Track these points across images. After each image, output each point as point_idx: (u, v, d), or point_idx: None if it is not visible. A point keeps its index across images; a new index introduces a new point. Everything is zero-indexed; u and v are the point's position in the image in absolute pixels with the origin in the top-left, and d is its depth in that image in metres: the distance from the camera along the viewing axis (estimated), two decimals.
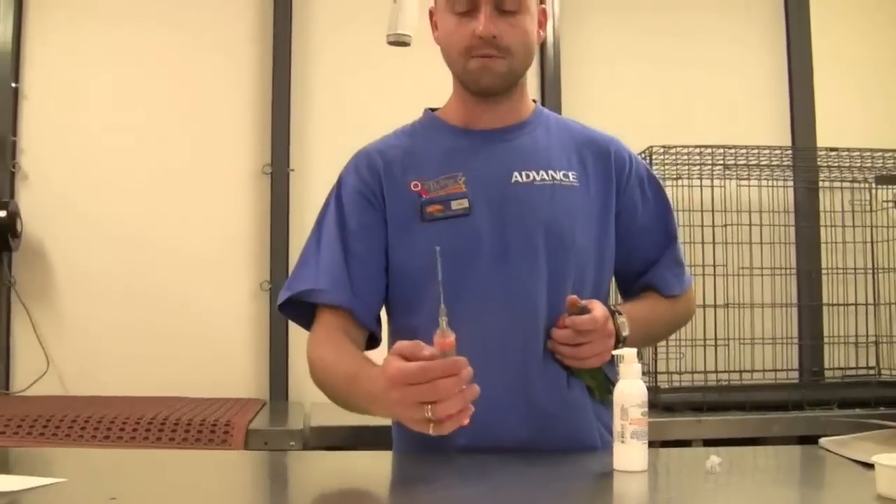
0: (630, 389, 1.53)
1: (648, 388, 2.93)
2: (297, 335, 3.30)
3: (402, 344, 1.47)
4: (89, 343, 3.31)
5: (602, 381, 1.81)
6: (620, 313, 1.78)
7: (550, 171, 1.82)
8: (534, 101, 1.94)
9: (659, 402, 2.92)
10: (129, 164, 3.38)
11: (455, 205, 1.78)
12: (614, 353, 1.61)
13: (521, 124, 1.88)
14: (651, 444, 1.55)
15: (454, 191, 1.79)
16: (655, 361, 3.10)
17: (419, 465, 1.60)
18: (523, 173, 1.81)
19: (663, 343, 3.10)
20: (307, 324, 1.85)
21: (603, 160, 1.88)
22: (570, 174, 1.83)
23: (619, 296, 2.02)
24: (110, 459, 1.85)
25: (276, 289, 3.31)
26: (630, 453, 1.51)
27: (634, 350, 1.56)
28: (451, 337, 1.44)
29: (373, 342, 1.85)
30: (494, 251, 1.76)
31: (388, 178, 1.82)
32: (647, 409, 1.53)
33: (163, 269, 3.35)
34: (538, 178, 1.81)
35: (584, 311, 1.70)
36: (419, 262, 1.78)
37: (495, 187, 1.79)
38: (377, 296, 1.83)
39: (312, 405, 3.01)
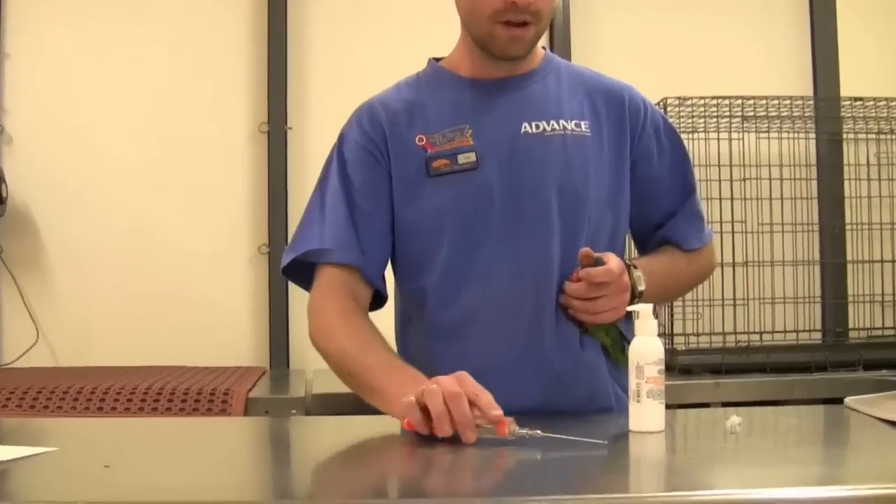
0: (646, 347, 1.52)
1: (665, 350, 2.99)
2: (298, 300, 3.31)
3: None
4: (80, 313, 3.32)
5: (617, 339, 1.81)
6: (636, 267, 1.77)
7: (562, 121, 1.81)
8: (543, 48, 1.93)
9: (675, 365, 2.93)
10: (119, 127, 3.37)
11: (462, 159, 1.78)
12: (630, 308, 1.60)
13: (530, 73, 1.87)
14: (668, 407, 1.55)
15: (460, 144, 1.78)
16: (671, 322, 3.11)
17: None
18: (533, 124, 1.80)
19: (679, 302, 3.10)
20: (308, 282, 1.85)
21: (616, 108, 1.87)
22: (581, 123, 1.83)
23: (634, 251, 2.02)
24: (104, 429, 1.86)
25: (274, 252, 3.31)
26: (646, 413, 1.50)
27: (650, 305, 1.54)
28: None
29: (377, 300, 1.86)
30: (504, 207, 1.76)
31: (392, 132, 1.82)
32: (664, 368, 1.52)
33: (156, 234, 3.35)
34: (549, 129, 1.80)
35: (599, 263, 1.69)
36: (427, 219, 1.78)
37: (504, 139, 1.79)
38: (384, 253, 1.83)
39: (315, 372, 3.01)
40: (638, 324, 1.54)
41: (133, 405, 2.55)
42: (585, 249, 1.70)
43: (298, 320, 3.31)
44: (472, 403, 1.43)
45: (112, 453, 1.51)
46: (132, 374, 2.92)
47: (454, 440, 1.44)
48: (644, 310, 1.54)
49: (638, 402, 1.50)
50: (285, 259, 1.84)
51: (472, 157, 1.77)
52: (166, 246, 3.35)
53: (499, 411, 1.44)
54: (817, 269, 3.38)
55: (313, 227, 1.82)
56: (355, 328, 1.75)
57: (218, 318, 3.35)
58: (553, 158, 1.78)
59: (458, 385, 1.45)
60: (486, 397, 1.45)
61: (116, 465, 1.37)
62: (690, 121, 3.18)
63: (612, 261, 1.70)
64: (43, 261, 3.33)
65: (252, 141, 3.41)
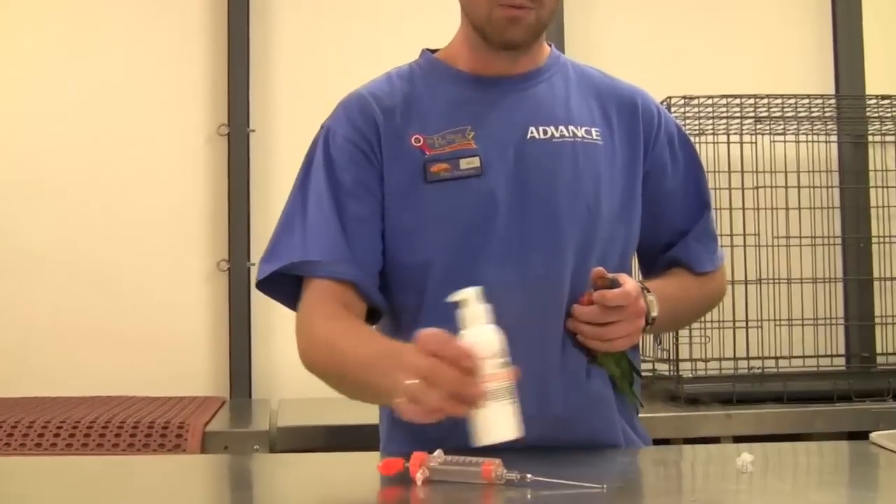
0: (479, 338, 1.44)
1: (669, 378, 3.02)
2: (262, 322, 3.33)
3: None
4: (13, 335, 3.30)
5: (627, 370, 1.82)
6: (649, 290, 1.78)
7: (571, 127, 1.82)
8: (549, 44, 1.93)
9: (682, 394, 2.92)
10: (59, 129, 3.36)
11: (464, 164, 1.77)
12: (453, 297, 1.51)
13: (535, 71, 1.87)
14: (672, 442, 1.55)
15: (462, 147, 1.78)
16: (677, 347, 3.10)
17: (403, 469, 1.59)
18: (540, 128, 1.81)
19: (686, 328, 3.10)
20: (291, 301, 1.84)
21: (629, 114, 1.88)
22: (592, 130, 1.84)
23: (639, 273, 2.03)
24: (42, 469, 1.84)
25: (235, 269, 3.31)
26: (492, 419, 1.43)
27: (475, 289, 1.48)
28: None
29: (372, 316, 1.84)
30: (510, 219, 1.76)
31: (387, 130, 1.81)
32: (508, 360, 1.46)
33: (103, 247, 3.34)
34: (557, 135, 1.81)
35: (614, 284, 1.70)
36: (421, 230, 1.78)
37: (509, 144, 1.79)
38: (378, 264, 1.81)
39: (280, 402, 3.00)
40: (464, 312, 1.46)
41: (75, 441, 2.54)
42: (599, 269, 1.71)
43: (261, 344, 3.31)
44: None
45: (52, 498, 1.50)
46: (74, 405, 2.91)
47: (434, 486, 1.44)
48: (467, 295, 1.47)
49: (479, 406, 1.43)
50: (263, 271, 1.82)
51: (475, 162, 1.77)
52: (113, 261, 3.34)
53: (471, 361, 1.44)
54: (840, 287, 3.40)
55: (294, 235, 1.80)
56: (353, 329, 1.73)
57: (172, 342, 3.33)
58: (563, 168, 1.79)
59: (427, 355, 1.46)
60: (455, 350, 1.44)
61: None
62: (697, 122, 3.19)
63: (629, 282, 1.71)
64: None
65: (210, 144, 3.40)
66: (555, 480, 1.42)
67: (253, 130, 3.38)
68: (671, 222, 1.93)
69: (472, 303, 1.45)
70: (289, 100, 3.42)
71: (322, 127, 1.87)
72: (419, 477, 1.46)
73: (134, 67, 3.40)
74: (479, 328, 1.44)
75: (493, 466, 1.44)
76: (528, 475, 1.43)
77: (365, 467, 1.54)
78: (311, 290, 1.80)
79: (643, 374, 1.99)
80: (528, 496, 1.40)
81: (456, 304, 1.48)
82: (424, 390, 1.43)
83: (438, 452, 1.48)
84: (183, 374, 3.32)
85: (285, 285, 1.83)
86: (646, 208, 1.88)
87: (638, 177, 1.86)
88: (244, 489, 1.67)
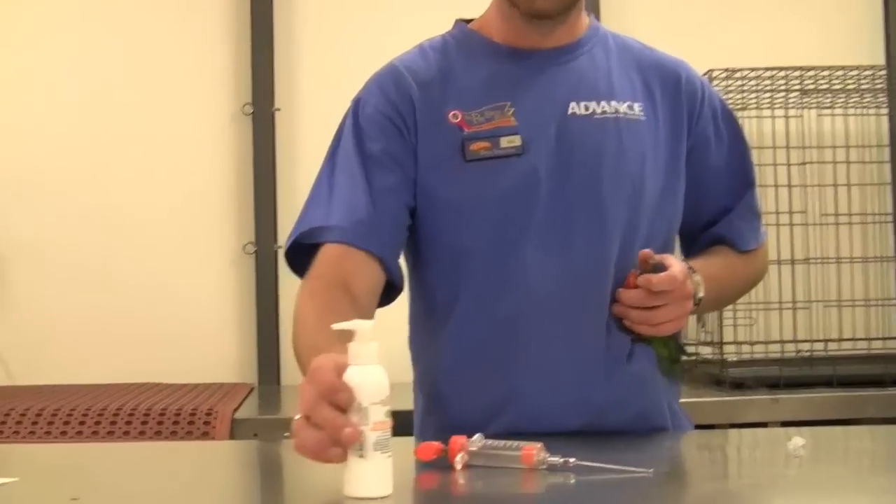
0: (366, 379, 1.29)
1: (714, 362, 3.01)
2: (290, 306, 3.29)
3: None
4: (39, 323, 3.33)
5: (674, 351, 1.81)
6: (695, 271, 1.77)
7: (613, 102, 1.80)
8: (588, 14, 1.91)
9: (726, 379, 2.92)
10: (80, 110, 3.38)
11: (505, 142, 1.76)
12: (339, 326, 1.35)
13: (575, 43, 1.85)
14: (716, 428, 1.54)
15: (502, 124, 1.77)
16: (721, 329, 3.10)
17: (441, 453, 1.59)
18: (581, 104, 1.79)
19: (730, 307, 3.08)
20: None
21: (672, 88, 1.86)
22: (635, 105, 1.82)
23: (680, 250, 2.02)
24: (69, 456, 1.86)
25: (262, 251, 3.32)
26: (371, 472, 1.29)
27: (369, 322, 1.33)
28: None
29: (389, 293, 1.81)
30: (553, 200, 1.75)
31: (423, 105, 1.79)
32: (389, 409, 1.30)
33: (126, 232, 3.36)
34: (598, 111, 1.80)
35: (659, 267, 1.69)
36: (459, 211, 1.77)
37: (550, 121, 1.78)
38: (401, 239, 1.80)
39: None
40: (354, 348, 1.31)
41: (101, 428, 2.56)
42: (646, 252, 1.69)
43: (290, 329, 3.30)
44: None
45: (79, 484, 1.50)
46: (99, 392, 2.93)
47: (473, 471, 1.44)
48: (355, 327, 1.31)
49: (361, 456, 1.28)
50: (288, 242, 1.79)
51: (517, 140, 1.76)
52: (137, 246, 3.36)
53: (349, 428, 1.28)
54: (891, 266, 3.37)
55: (319, 204, 1.78)
56: (318, 313, 1.63)
57: (198, 328, 3.35)
58: (606, 146, 1.77)
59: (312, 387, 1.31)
60: (342, 395, 1.29)
61: (85, 497, 1.36)
62: (741, 96, 3.17)
63: (675, 265, 1.69)
64: None
65: (234, 124, 3.42)
66: (599, 465, 1.41)
67: (278, 109, 3.38)
68: (714, 199, 1.92)
69: (360, 338, 1.31)
70: (315, 77, 3.42)
71: (353, 100, 1.86)
72: (458, 461, 1.45)
73: (156, 46, 3.42)
74: (368, 368, 1.29)
75: (535, 451, 1.43)
76: (571, 459, 1.42)
77: (401, 452, 1.54)
78: (320, 256, 1.74)
79: (687, 357, 1.98)
80: (572, 481, 1.40)
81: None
82: (303, 428, 1.31)
83: (478, 436, 1.48)
84: (209, 360, 3.34)
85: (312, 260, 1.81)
86: (688, 185, 1.87)
87: (681, 153, 1.85)
88: (274, 476, 1.67)
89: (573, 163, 1.76)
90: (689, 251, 1.97)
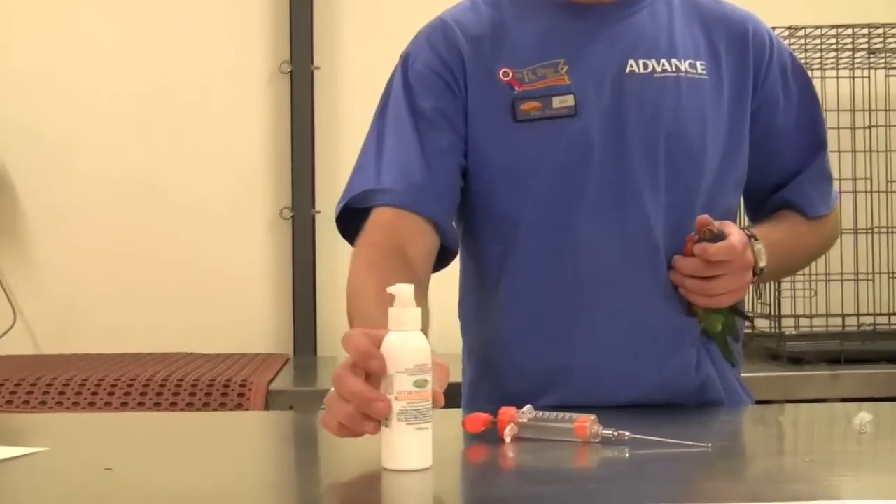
0: (399, 347, 1.30)
1: (770, 335, 2.99)
2: (328, 273, 3.33)
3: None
4: (66, 290, 3.34)
5: (732, 325, 1.80)
6: (756, 238, 1.76)
7: (674, 60, 1.79)
8: None
9: (784, 353, 2.91)
10: (110, 68, 3.37)
11: (557, 102, 1.75)
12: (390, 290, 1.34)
13: None
14: (773, 402, 1.53)
15: (555, 83, 1.76)
16: (779, 301, 3.08)
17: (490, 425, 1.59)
18: (640, 62, 1.78)
19: (789, 279, 3.06)
20: None
21: (738, 43, 1.84)
22: (697, 63, 1.81)
23: (745, 216, 2.01)
24: (100, 425, 1.88)
25: (299, 216, 3.31)
26: (399, 444, 1.29)
27: (409, 287, 1.33)
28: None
29: (443, 257, 1.81)
30: (606, 163, 1.75)
31: (473, 61, 1.79)
32: (427, 378, 1.29)
33: (156, 197, 3.36)
34: (659, 69, 1.78)
35: (719, 235, 1.68)
36: (509, 173, 1.77)
37: (606, 79, 1.77)
38: (456, 201, 1.80)
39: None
40: (393, 313, 1.31)
41: (131, 399, 2.57)
42: (704, 217, 1.68)
43: (327, 298, 3.32)
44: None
45: (112, 454, 1.52)
46: (129, 362, 2.95)
47: (524, 444, 1.43)
48: (396, 291, 1.32)
49: (387, 426, 1.29)
50: (337, 207, 1.79)
51: (569, 100, 1.75)
52: (169, 211, 3.36)
53: (380, 402, 1.28)
54: None
55: (369, 166, 1.78)
56: (375, 282, 1.59)
57: (231, 297, 3.36)
58: (665, 105, 1.76)
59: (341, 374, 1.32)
60: (374, 363, 1.29)
61: (119, 467, 1.37)
62: (803, 56, 3.13)
63: (735, 233, 1.68)
64: (21, 228, 3.36)
65: (272, 83, 3.41)
66: (655, 439, 1.41)
67: (317, 68, 3.37)
68: (782, 162, 1.90)
69: (399, 301, 1.32)
70: (356, 34, 3.40)
71: (402, 55, 1.85)
72: (508, 434, 1.45)
73: (188, 4, 3.40)
74: (406, 334, 1.30)
75: (588, 423, 1.43)
76: (626, 433, 1.42)
77: (447, 424, 1.54)
78: (373, 220, 1.74)
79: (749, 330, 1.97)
80: (627, 455, 1.40)
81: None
82: (333, 401, 1.33)
83: (528, 408, 1.48)
84: (243, 330, 3.34)
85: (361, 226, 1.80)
86: (755, 147, 1.85)
87: (746, 114, 1.84)
88: (310, 447, 1.69)
89: (629, 124, 1.75)
90: (755, 216, 1.96)
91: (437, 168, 1.76)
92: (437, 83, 1.79)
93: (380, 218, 1.74)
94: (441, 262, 1.80)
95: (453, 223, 1.81)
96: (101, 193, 3.35)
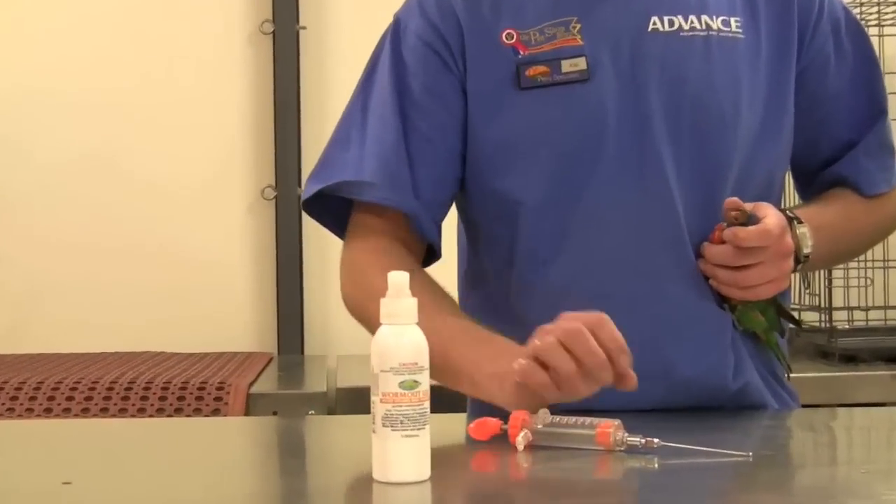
0: (391, 340, 1.31)
1: (820, 330, 2.99)
2: (316, 262, 3.34)
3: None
4: (20, 284, 3.35)
5: (774, 320, 1.80)
6: (800, 221, 1.75)
7: (704, 17, 1.79)
8: None
9: (835, 350, 2.91)
10: (71, 27, 3.37)
11: (567, 66, 1.75)
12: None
13: None
14: (823, 406, 1.54)
15: (565, 44, 1.76)
16: (830, 291, 3.08)
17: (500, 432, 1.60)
18: (665, 19, 1.78)
19: (841, 266, 3.06)
20: (339, 226, 1.87)
21: None
22: (731, 20, 1.80)
23: (795, 194, 2.00)
24: (58, 434, 1.88)
25: (283, 197, 3.31)
26: (385, 452, 1.29)
27: (405, 275, 1.33)
28: None
29: (428, 257, 1.86)
30: (624, 135, 1.75)
31: (470, 25, 1.79)
32: (419, 379, 1.30)
33: (119, 178, 3.35)
34: (686, 27, 1.78)
35: (752, 219, 1.67)
36: (514, 148, 1.77)
37: (624, 39, 1.76)
38: (444, 195, 1.83)
39: (339, 359, 3.02)
40: (386, 304, 1.32)
41: (93, 405, 2.57)
42: (732, 200, 1.68)
43: (315, 289, 3.32)
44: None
45: (71, 466, 1.51)
46: (90, 363, 2.95)
47: (539, 453, 1.44)
48: (395, 280, 1.33)
49: (374, 432, 1.30)
50: (310, 189, 1.83)
51: (581, 63, 1.75)
52: (134, 193, 3.36)
53: (626, 356, 1.51)
54: None
55: (350, 149, 1.81)
56: (414, 289, 1.72)
57: (207, 289, 3.36)
58: (691, 68, 1.76)
59: (571, 321, 1.50)
60: (608, 331, 1.51)
61: (79, 481, 1.37)
62: (859, 10, 3.13)
63: (770, 216, 1.67)
64: None
65: (252, 45, 3.41)
66: (688, 447, 1.41)
67: (303, 28, 3.37)
68: (835, 132, 1.90)
69: (392, 290, 1.32)
70: None
71: (394, 17, 1.86)
72: (520, 441, 1.45)
73: None
74: (395, 329, 1.31)
75: (612, 429, 1.43)
76: (656, 440, 1.42)
77: (451, 431, 1.55)
78: (360, 220, 1.83)
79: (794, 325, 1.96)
80: (656, 466, 1.40)
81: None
82: (554, 350, 1.47)
83: (543, 412, 1.47)
84: (220, 325, 3.34)
85: (337, 208, 1.85)
86: (802, 115, 1.85)
87: (789, 78, 1.83)
88: (295, 456, 1.69)
89: (650, 90, 1.75)
90: (806, 194, 1.97)
91: (422, 162, 1.79)
92: (428, 57, 1.80)
93: (373, 214, 1.81)
94: (427, 261, 1.86)
95: (437, 221, 1.83)
96: (57, 175, 3.34)
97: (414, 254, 1.82)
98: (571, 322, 1.50)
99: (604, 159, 1.74)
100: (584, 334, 1.48)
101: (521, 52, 1.76)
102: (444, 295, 1.77)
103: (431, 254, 1.86)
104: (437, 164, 1.80)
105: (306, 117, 3.34)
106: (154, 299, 3.33)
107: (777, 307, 1.79)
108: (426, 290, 1.73)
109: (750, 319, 1.78)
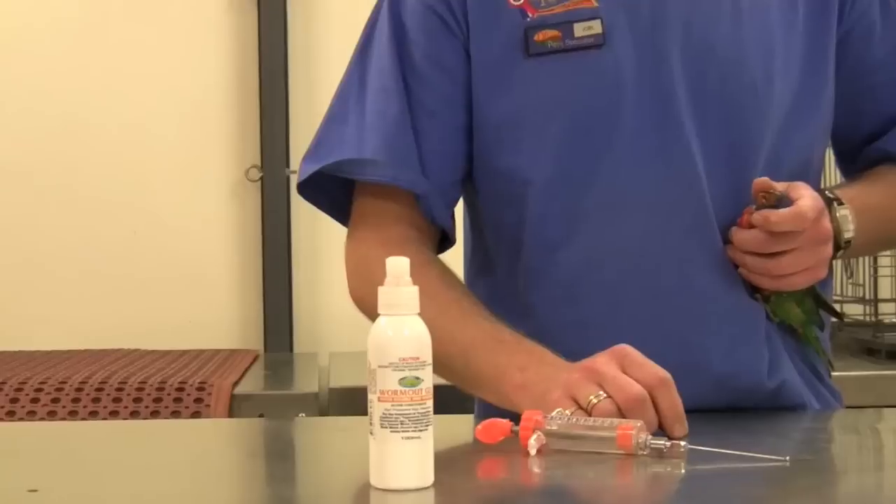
0: (390, 332, 1.31)
1: (865, 324, 2.99)
2: (307, 250, 3.34)
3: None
4: None
5: (811, 311, 1.80)
6: (841, 202, 1.75)
7: None
8: None
9: (882, 346, 2.92)
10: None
11: (581, 29, 1.75)
12: None
13: None
14: (868, 407, 1.54)
15: (578, 5, 1.75)
16: (875, 281, 3.08)
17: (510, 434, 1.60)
18: None
19: (888, 253, 3.06)
20: (342, 213, 1.86)
21: None
22: None
23: (837, 172, 2.00)
24: (23, 438, 1.87)
25: (269, 178, 3.32)
26: (384, 456, 1.29)
27: (405, 261, 1.33)
28: None
29: (439, 243, 1.86)
30: (644, 107, 1.74)
31: None
32: (421, 375, 1.29)
33: (87, 156, 3.36)
34: None
35: (783, 200, 1.66)
36: (521, 121, 1.77)
37: (644, 0, 1.76)
38: (454, 175, 1.83)
39: (332, 357, 3.02)
40: (384, 293, 1.32)
41: (60, 407, 2.58)
42: (762, 180, 1.67)
43: (306, 280, 3.33)
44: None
45: (37, 473, 1.51)
46: (58, 361, 2.96)
47: (553, 457, 1.44)
48: (395, 266, 1.32)
49: (371, 434, 1.30)
50: (305, 170, 1.82)
51: (595, 26, 1.74)
52: (103, 173, 3.37)
53: (681, 427, 1.51)
54: None
55: (349, 124, 1.81)
56: (433, 286, 1.71)
57: (186, 280, 3.37)
58: (719, 30, 1.76)
59: (633, 383, 1.50)
60: (669, 397, 1.51)
61: (46, 488, 1.37)
62: None
63: (805, 197, 1.66)
64: None
65: (232, 7, 3.42)
66: (719, 450, 1.41)
67: None
68: (880, 103, 1.89)
69: (391, 278, 1.32)
70: None
71: None
72: (533, 445, 1.44)
73: None
74: (394, 320, 1.30)
75: (634, 431, 1.42)
76: (683, 443, 1.42)
77: (456, 433, 1.54)
78: (364, 203, 1.83)
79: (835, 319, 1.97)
80: (682, 471, 1.40)
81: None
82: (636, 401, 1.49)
83: (558, 412, 1.47)
84: (201, 320, 3.36)
85: (335, 191, 1.85)
86: (843, 85, 1.85)
87: (829, 44, 1.83)
88: (283, 461, 1.68)
89: (672, 57, 1.74)
90: (849, 172, 1.96)
91: (429, 137, 1.79)
92: (430, 21, 1.79)
93: (379, 197, 1.81)
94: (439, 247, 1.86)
95: (449, 202, 1.83)
96: (15, 153, 3.35)
97: (428, 241, 1.82)
98: (632, 387, 1.49)
99: (621, 134, 1.74)
100: (647, 405, 1.48)
101: (530, 15, 1.76)
102: (464, 290, 1.77)
103: (443, 240, 1.86)
104: (444, 140, 1.80)
105: (295, 88, 3.34)
106: (127, 292, 3.34)
107: (815, 298, 1.79)
108: (445, 285, 1.75)
109: (785, 311, 1.78)
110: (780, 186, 1.67)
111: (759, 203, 1.67)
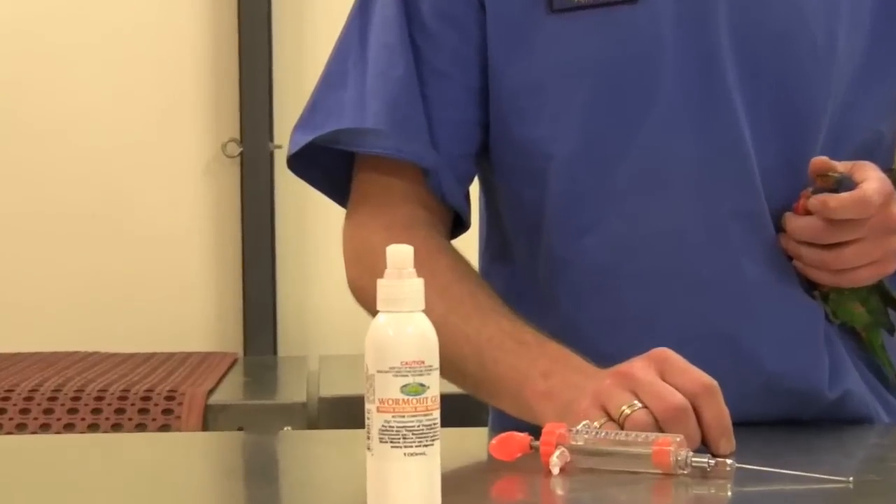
0: (391, 332, 1.30)
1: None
2: (293, 237, 3.35)
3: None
4: None
5: (878, 311, 1.79)
6: None
7: None
8: None
9: None
10: None
11: None
12: None
13: None
14: None
15: None
16: None
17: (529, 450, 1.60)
18: None
19: None
20: (340, 192, 1.87)
21: None
22: None
23: None
24: None
25: (250, 153, 3.33)
26: (383, 474, 1.29)
27: (409, 249, 1.35)
28: None
29: (455, 227, 1.86)
30: (684, 72, 1.74)
31: None
32: (426, 382, 1.28)
33: (45, 131, 3.38)
34: None
35: (845, 183, 1.66)
36: (544, 86, 1.77)
37: None
38: (468, 146, 1.83)
39: (322, 360, 3.03)
40: (384, 287, 1.30)
41: (6, 419, 2.60)
42: (821, 160, 1.67)
43: (291, 273, 3.34)
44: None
45: None
46: (6, 366, 2.97)
47: (579, 478, 1.44)
48: (397, 255, 1.31)
49: (369, 450, 1.29)
50: (297, 141, 1.82)
51: None
52: (64, 151, 3.38)
53: (728, 442, 1.50)
54: None
55: (348, 88, 1.81)
56: (442, 277, 1.73)
57: (154, 270, 3.39)
58: None
59: (673, 391, 1.49)
60: (715, 407, 1.50)
61: None
62: None
63: (871, 179, 1.66)
64: None
65: None
66: (771, 469, 1.40)
67: None
68: None
69: (392, 270, 1.30)
70: None
71: None
72: (555, 462, 1.44)
73: None
74: (395, 318, 1.29)
75: (673, 447, 1.42)
76: (729, 461, 1.41)
77: (468, 448, 1.54)
78: (367, 177, 1.83)
79: None
80: (729, 494, 1.40)
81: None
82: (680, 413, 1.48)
83: (584, 424, 1.47)
84: (172, 318, 3.38)
85: (331, 165, 1.86)
86: None
87: None
88: (265, 481, 1.67)
89: (718, 14, 1.74)
90: None
91: (439, 103, 1.79)
92: None
93: (381, 173, 1.81)
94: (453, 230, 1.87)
95: (463, 178, 1.83)
96: None
97: (439, 223, 1.82)
98: (672, 395, 1.49)
99: (657, 103, 1.74)
100: (688, 417, 1.48)
101: None
102: (479, 283, 1.77)
103: (457, 223, 1.87)
104: (456, 106, 1.80)
105: (279, 52, 3.35)
106: (87, 285, 3.36)
107: (883, 296, 1.79)
108: (456, 276, 1.75)
109: (847, 311, 1.78)
110: (841, 166, 1.66)
111: (817, 186, 1.66)
